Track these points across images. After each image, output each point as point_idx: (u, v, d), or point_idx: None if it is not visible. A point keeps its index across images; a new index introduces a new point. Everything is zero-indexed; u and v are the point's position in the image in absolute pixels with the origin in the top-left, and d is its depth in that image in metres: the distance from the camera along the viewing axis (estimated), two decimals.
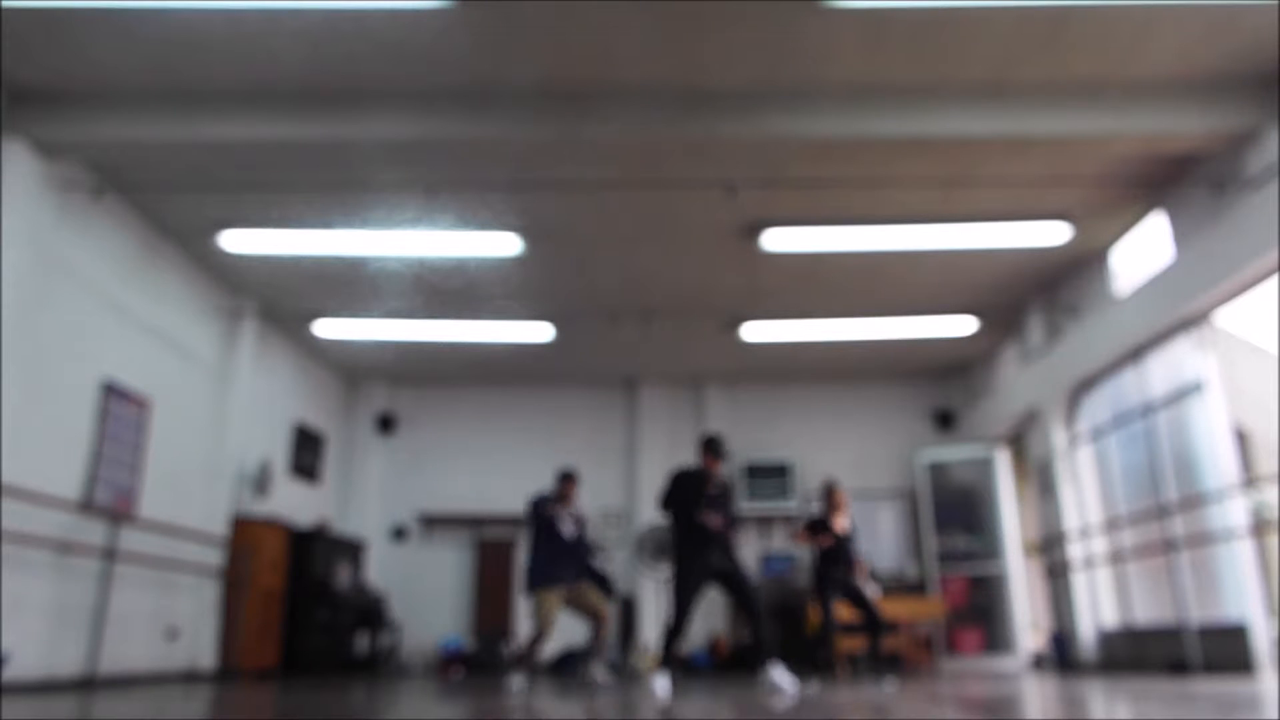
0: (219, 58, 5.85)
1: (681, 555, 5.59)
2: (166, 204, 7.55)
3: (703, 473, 5.75)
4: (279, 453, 10.34)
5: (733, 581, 5.62)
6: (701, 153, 6.71)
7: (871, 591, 7.41)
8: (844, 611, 7.09)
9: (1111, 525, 8.80)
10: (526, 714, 4.13)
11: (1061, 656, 9.20)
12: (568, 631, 10.86)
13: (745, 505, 11.57)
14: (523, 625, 11.18)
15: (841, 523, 7.04)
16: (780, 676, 5.36)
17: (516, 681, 6.24)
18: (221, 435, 9.03)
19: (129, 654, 7.38)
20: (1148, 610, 8.28)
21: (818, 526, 7.06)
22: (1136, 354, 8.20)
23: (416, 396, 12.45)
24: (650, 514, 11.42)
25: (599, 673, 6.84)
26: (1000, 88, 6.23)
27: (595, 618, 6.71)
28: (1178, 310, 7.26)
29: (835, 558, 6.96)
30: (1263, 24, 5.60)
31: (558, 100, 6.29)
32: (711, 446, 5.80)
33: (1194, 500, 7.40)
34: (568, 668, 10.46)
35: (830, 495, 7.15)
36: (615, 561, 11.62)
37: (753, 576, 11.39)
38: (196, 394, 8.77)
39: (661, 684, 5.22)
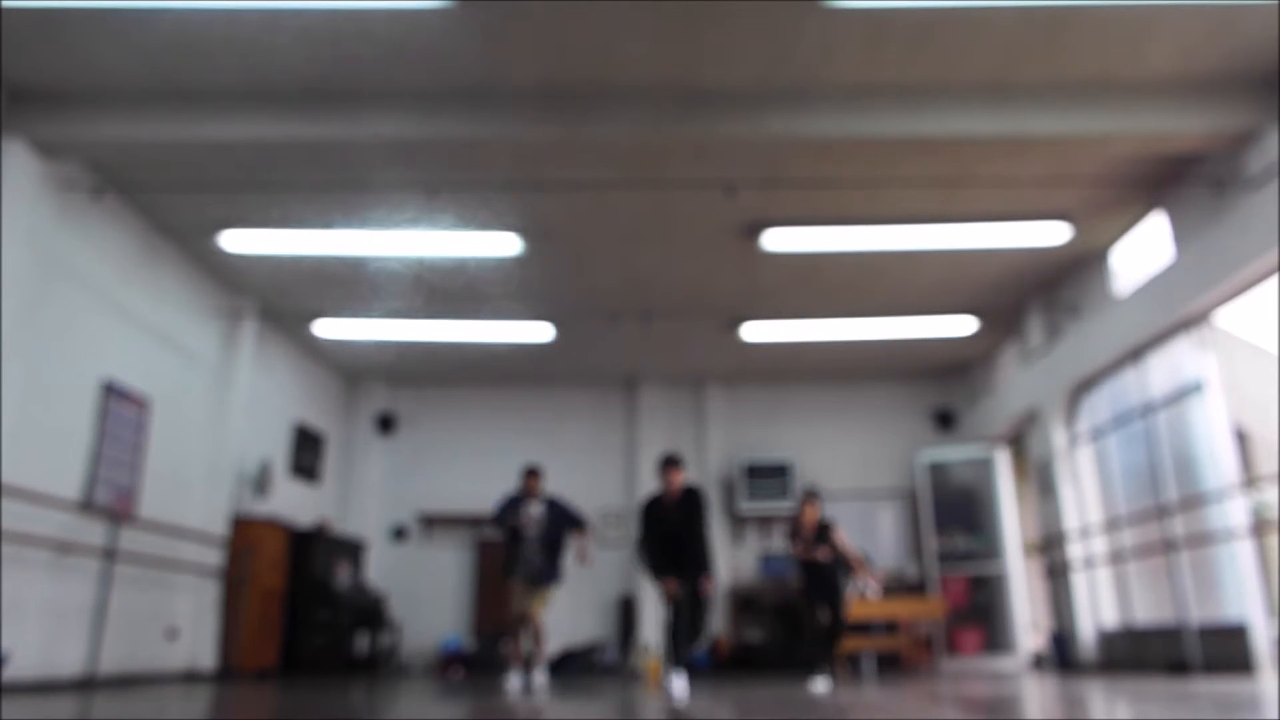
0: (219, 58, 5.85)
1: (652, 569, 5.83)
2: (166, 204, 7.56)
3: (660, 498, 5.86)
4: (279, 453, 10.34)
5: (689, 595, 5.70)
6: (701, 153, 6.71)
7: (872, 593, 7.42)
8: (822, 614, 7.08)
9: (1111, 525, 8.81)
10: (528, 714, 4.12)
11: (1061, 656, 9.20)
12: (568, 632, 10.89)
13: (745, 505, 11.58)
14: None
15: (850, 549, 7.05)
16: (677, 686, 5.31)
17: (512, 680, 6.29)
18: (221, 435, 9.03)
19: (129, 654, 7.38)
20: (1148, 610, 8.28)
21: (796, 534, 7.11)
22: (1136, 354, 8.20)
23: (416, 396, 12.44)
24: None
25: (535, 679, 6.75)
26: (1000, 88, 6.23)
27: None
28: (1178, 310, 7.26)
29: (815, 563, 6.96)
30: (1263, 24, 5.60)
31: (558, 100, 6.29)
32: (664, 464, 5.94)
33: (1194, 500, 7.40)
34: (566, 667, 10.46)
35: (803, 510, 7.14)
36: (614, 561, 11.65)
37: (752, 576, 11.41)
38: (196, 394, 8.77)
39: (679, 684, 5.20)
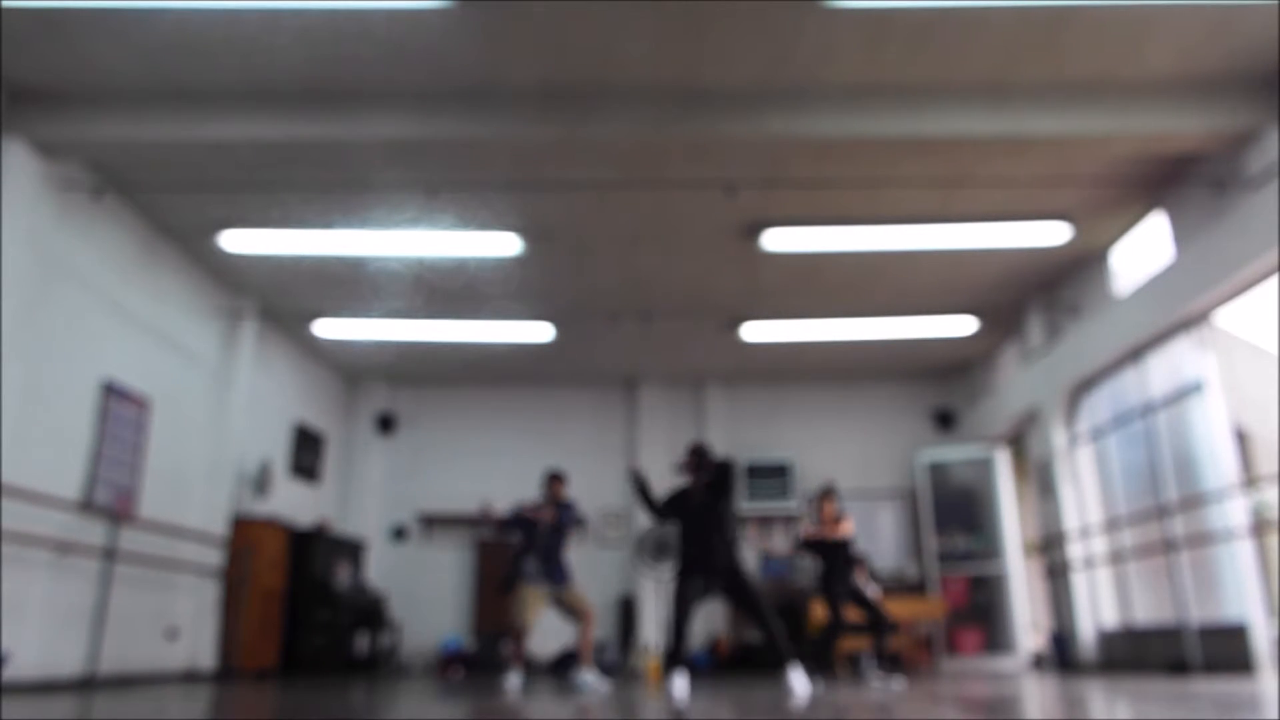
0: (219, 58, 5.85)
1: (679, 567, 5.57)
2: (166, 204, 7.56)
3: (684, 490, 5.71)
4: (279, 453, 10.34)
5: (736, 589, 5.51)
6: (701, 153, 6.71)
7: (872, 592, 7.43)
8: (849, 613, 7.10)
9: (1111, 525, 8.81)
10: (527, 715, 4.12)
11: (1061, 656, 9.21)
12: (568, 632, 10.88)
13: (745, 505, 11.58)
14: None
15: (846, 527, 7.03)
16: (797, 680, 5.05)
17: (512, 680, 6.28)
18: (221, 435, 9.03)
19: (129, 654, 7.38)
20: (1148, 610, 8.28)
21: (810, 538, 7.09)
22: (1136, 354, 8.21)
23: (416, 396, 12.45)
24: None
25: (589, 678, 6.47)
26: (1000, 88, 6.23)
27: (579, 618, 6.74)
28: (1178, 310, 7.26)
29: (836, 560, 6.96)
30: (1263, 24, 5.60)
31: (558, 100, 6.29)
32: (691, 456, 5.74)
33: (1194, 500, 7.40)
34: (567, 668, 10.46)
35: (821, 506, 7.11)
36: (614, 561, 11.65)
37: (754, 577, 11.40)
38: (196, 394, 8.77)
39: (679, 685, 5.06)
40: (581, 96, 6.28)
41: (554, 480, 6.97)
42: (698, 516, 5.53)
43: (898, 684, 6.32)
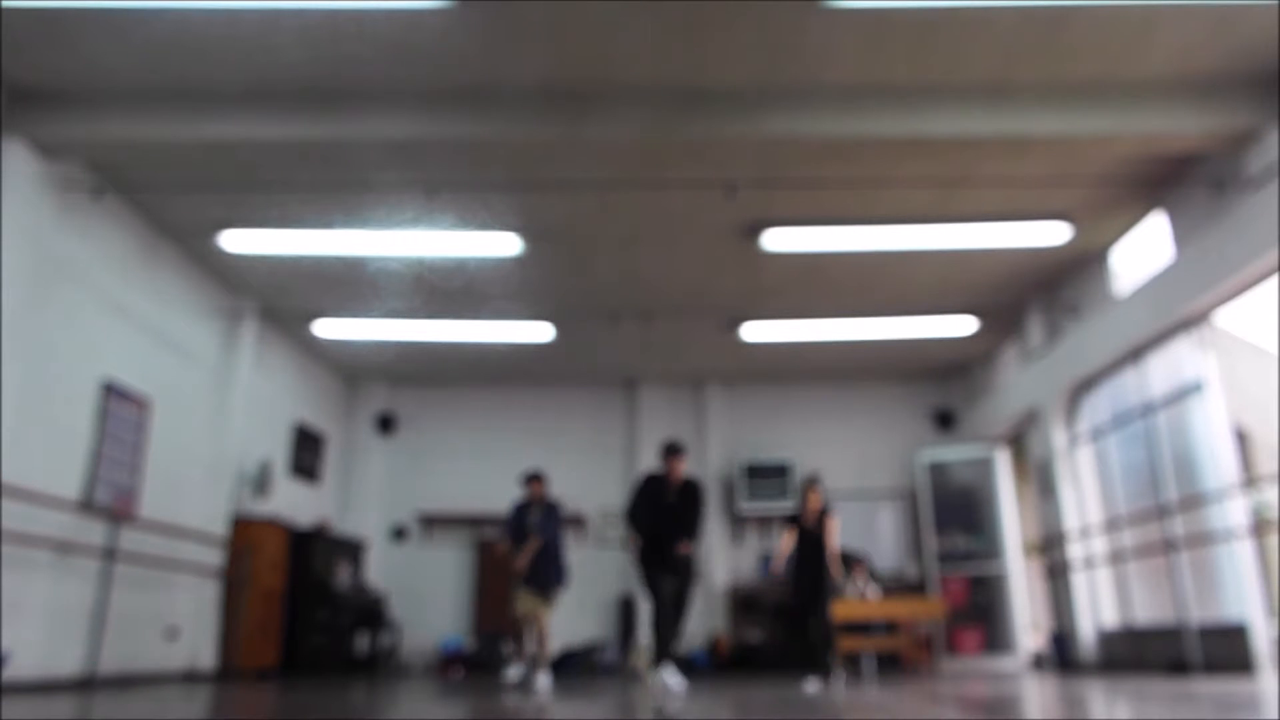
0: (219, 58, 5.85)
1: (641, 558, 5.84)
2: (166, 204, 7.56)
3: (662, 478, 5.86)
4: (279, 453, 10.34)
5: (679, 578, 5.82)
6: (701, 153, 6.71)
7: (871, 593, 7.40)
8: (843, 610, 7.05)
9: (1111, 525, 8.81)
10: (525, 714, 4.12)
11: (1061, 656, 9.21)
12: (568, 632, 10.88)
13: (745, 505, 11.58)
14: None
15: (831, 525, 6.97)
16: (669, 677, 5.52)
17: (511, 673, 6.36)
18: (221, 435, 9.03)
19: (129, 654, 7.39)
20: (1148, 610, 8.28)
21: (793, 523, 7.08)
22: (1136, 354, 8.21)
23: (416, 396, 12.45)
24: None
25: (540, 680, 6.64)
26: (1000, 88, 6.23)
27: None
28: (1178, 310, 7.27)
29: (811, 552, 6.89)
30: (1263, 24, 5.60)
31: (558, 100, 6.29)
32: (667, 451, 5.97)
33: (1194, 500, 7.40)
34: (566, 667, 10.46)
35: (806, 496, 7.08)
36: (614, 561, 11.65)
37: (752, 576, 11.41)
38: (196, 394, 8.77)
39: (674, 680, 5.16)
40: (581, 96, 6.28)
41: (533, 481, 7.08)
42: (667, 513, 5.75)
43: (813, 686, 6.29)
